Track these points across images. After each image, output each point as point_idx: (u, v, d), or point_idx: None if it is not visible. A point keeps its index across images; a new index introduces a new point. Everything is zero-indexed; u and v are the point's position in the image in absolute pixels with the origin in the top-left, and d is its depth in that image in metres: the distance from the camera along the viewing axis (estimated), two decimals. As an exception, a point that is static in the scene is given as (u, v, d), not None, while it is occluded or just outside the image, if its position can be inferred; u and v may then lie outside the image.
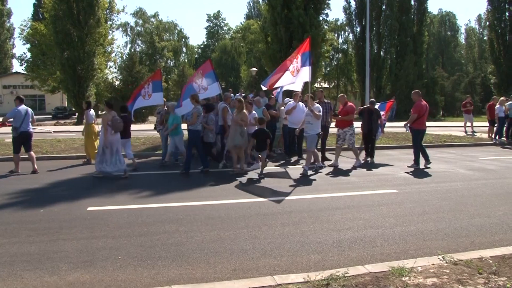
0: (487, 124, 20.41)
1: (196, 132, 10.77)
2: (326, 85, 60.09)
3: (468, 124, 21.65)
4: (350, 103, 12.15)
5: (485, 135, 19.31)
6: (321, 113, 10.86)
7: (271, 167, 11.40)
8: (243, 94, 15.86)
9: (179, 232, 5.95)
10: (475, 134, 20.54)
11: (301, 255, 5.07)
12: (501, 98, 18.92)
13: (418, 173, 10.75)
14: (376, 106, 13.59)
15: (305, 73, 11.02)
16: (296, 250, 5.19)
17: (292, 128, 12.41)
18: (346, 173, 10.88)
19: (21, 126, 10.76)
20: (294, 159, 12.96)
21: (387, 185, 9.28)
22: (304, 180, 9.96)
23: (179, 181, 9.96)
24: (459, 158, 13.57)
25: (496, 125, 18.29)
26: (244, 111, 10.68)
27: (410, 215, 6.81)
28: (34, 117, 11.25)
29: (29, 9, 74.98)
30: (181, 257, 4.98)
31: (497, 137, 18.00)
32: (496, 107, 18.32)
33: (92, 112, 12.58)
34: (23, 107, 10.86)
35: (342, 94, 12.99)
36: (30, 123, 10.98)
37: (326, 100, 12.88)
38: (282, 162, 12.57)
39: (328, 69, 60.79)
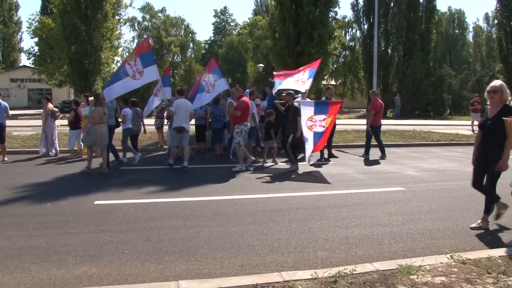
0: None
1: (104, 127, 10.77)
2: (333, 82, 59.73)
3: (476, 123, 21.52)
4: (243, 98, 10.89)
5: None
6: (172, 109, 10.48)
7: (278, 164, 11.37)
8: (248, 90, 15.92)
9: (186, 227, 5.95)
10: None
11: (308, 251, 5.05)
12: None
13: (425, 171, 10.69)
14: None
15: (308, 84, 12.74)
16: (303, 247, 5.17)
17: None
18: (353, 170, 10.84)
19: None
20: (300, 155, 12.91)
21: (394, 183, 9.24)
22: (310, 177, 9.94)
23: (186, 176, 9.96)
24: (466, 157, 13.45)
25: None
26: (99, 108, 10.12)
27: (417, 213, 6.78)
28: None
29: (37, 2, 75.35)
30: (188, 252, 4.97)
31: None
32: None
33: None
34: None
35: (236, 88, 11.67)
36: (4, 116, 11.66)
37: (333, 99, 13.06)
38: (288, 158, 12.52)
39: (335, 66, 60.49)
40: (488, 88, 5.78)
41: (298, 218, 6.41)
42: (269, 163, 11.54)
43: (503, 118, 5.53)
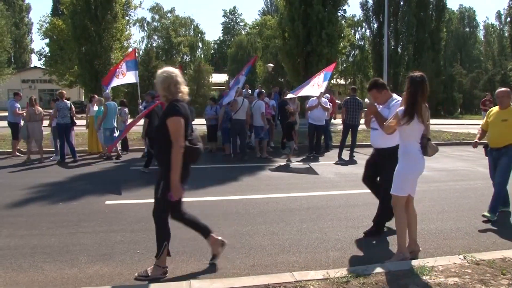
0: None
1: (60, 125, 11.73)
2: (342, 82, 59.47)
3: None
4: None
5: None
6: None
7: (291, 163, 11.35)
8: (258, 90, 15.98)
9: (197, 227, 5.95)
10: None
11: (320, 252, 5.03)
12: None
13: (436, 171, 10.61)
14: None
15: (323, 87, 12.87)
16: (314, 247, 5.16)
17: (313, 124, 12.48)
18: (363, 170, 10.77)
19: (8, 116, 12.91)
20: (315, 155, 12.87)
21: (405, 182, 9.15)
22: (322, 177, 9.90)
23: (196, 176, 9.93)
24: (478, 156, 13.31)
25: None
26: (30, 108, 11.62)
27: (429, 213, 6.72)
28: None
29: (49, 3, 75.85)
30: (199, 252, 4.97)
31: None
32: None
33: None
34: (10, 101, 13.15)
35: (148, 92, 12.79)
36: (12, 115, 12.67)
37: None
38: (303, 157, 12.50)
39: (345, 65, 60.26)
40: None
41: (309, 218, 6.40)
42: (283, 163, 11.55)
43: None
